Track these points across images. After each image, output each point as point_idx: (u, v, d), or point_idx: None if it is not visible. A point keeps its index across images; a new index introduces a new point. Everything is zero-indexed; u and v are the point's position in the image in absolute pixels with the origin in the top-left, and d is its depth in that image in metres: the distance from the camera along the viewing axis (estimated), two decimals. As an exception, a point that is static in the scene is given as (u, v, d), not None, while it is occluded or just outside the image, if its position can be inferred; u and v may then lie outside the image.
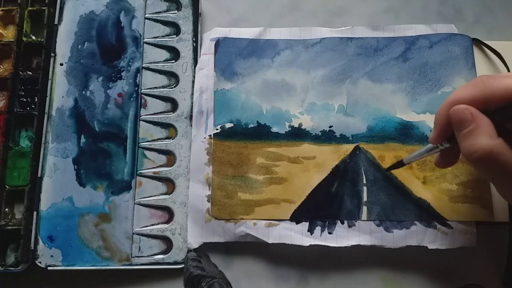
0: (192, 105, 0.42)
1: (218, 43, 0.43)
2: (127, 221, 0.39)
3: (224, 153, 0.40)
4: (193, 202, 0.39)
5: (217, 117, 0.41)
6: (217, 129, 0.40)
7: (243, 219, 0.38)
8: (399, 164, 0.36)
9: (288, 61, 0.42)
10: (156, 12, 0.44)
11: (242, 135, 0.40)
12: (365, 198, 0.38)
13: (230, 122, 0.41)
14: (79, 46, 0.43)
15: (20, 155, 0.41)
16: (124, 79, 0.43)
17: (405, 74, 0.41)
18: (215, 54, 0.43)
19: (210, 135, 0.40)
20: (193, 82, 0.42)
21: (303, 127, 0.40)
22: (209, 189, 0.39)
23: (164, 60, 0.43)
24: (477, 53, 0.42)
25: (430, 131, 0.39)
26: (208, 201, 0.39)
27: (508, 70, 0.40)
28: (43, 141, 0.41)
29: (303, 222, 0.38)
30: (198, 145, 0.40)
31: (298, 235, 0.38)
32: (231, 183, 0.39)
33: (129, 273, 0.39)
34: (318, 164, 0.39)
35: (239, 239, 0.38)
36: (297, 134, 0.40)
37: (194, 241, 0.38)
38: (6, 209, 0.40)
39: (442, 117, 0.30)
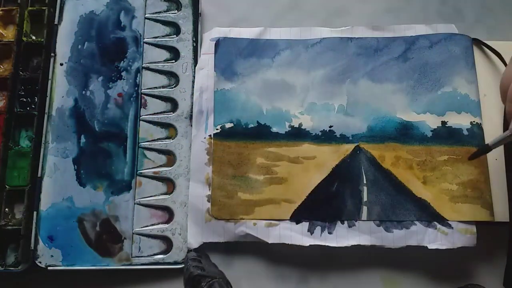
0: (192, 105, 0.42)
1: (218, 43, 0.43)
2: (127, 221, 0.39)
3: (224, 153, 0.40)
4: (193, 202, 0.39)
5: (217, 117, 0.41)
6: (217, 129, 0.40)
7: (243, 219, 0.38)
8: (484, 149, 0.34)
9: (288, 61, 0.42)
10: (156, 12, 0.44)
11: (242, 135, 0.40)
12: (365, 198, 0.38)
13: (230, 122, 0.41)
14: (79, 46, 0.43)
15: (20, 155, 0.41)
16: (124, 79, 0.43)
17: (405, 74, 0.41)
18: (215, 54, 0.42)
19: (210, 135, 0.40)
20: (193, 82, 0.42)
21: (303, 127, 0.40)
22: (209, 189, 0.39)
23: (164, 60, 0.43)
24: (477, 53, 0.42)
25: (431, 131, 0.39)
26: (208, 201, 0.39)
27: (508, 70, 0.40)
28: (43, 141, 0.41)
29: (303, 222, 0.38)
30: (198, 145, 0.40)
31: (298, 235, 0.38)
32: (231, 183, 0.39)
33: (129, 273, 0.39)
34: (318, 164, 0.39)
35: (239, 239, 0.38)
36: (297, 134, 0.40)
37: (194, 241, 0.38)
38: (6, 209, 0.40)
39: None
